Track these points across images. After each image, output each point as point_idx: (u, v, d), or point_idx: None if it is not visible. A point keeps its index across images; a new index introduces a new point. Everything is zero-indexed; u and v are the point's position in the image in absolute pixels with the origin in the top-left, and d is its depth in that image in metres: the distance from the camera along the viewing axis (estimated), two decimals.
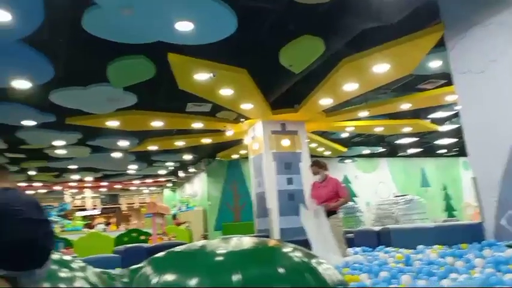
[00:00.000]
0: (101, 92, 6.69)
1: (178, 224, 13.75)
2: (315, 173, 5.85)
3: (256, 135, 9.37)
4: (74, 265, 3.15)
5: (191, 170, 15.51)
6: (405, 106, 8.84)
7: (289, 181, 8.93)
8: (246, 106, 7.88)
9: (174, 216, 14.72)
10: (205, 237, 13.80)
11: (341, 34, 5.60)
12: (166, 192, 21.59)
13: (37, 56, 5.45)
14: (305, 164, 9.03)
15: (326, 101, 7.98)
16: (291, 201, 8.78)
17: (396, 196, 14.67)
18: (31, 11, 4.42)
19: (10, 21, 4.50)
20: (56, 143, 9.91)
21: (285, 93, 7.62)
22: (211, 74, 6.18)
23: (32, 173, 13.97)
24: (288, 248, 3.91)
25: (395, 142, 13.80)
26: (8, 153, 10.87)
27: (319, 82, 7.16)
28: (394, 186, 16.46)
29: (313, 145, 11.91)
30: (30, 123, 8.20)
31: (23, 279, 2.22)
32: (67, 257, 3.35)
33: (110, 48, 5.34)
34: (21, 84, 6.27)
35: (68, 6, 4.49)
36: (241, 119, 9.07)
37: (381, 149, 14.96)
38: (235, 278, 3.13)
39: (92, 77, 6.38)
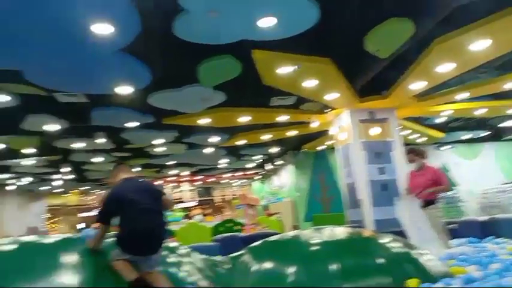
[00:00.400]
0: (193, 92, 7.13)
1: (269, 215, 14.07)
2: (410, 161, 5.57)
3: (342, 125, 9.16)
4: (180, 251, 3.46)
5: (278, 162, 15.74)
6: (510, 85, 7.93)
7: (381, 171, 8.58)
8: (331, 96, 7.75)
9: (266, 207, 15.10)
10: (296, 227, 13.94)
11: (432, 14, 5.22)
12: (256, 184, 22.22)
13: (136, 63, 6.00)
14: (397, 152, 8.61)
15: (418, 85, 7.51)
16: (384, 192, 8.45)
17: (503, 184, 13.22)
18: (129, 23, 4.87)
19: (112, 34, 5.03)
20: (155, 141, 10.83)
21: (372, 80, 7.33)
22: (296, 67, 6.20)
23: (136, 169, 15.39)
24: (385, 239, 3.79)
25: (499, 125, 12.45)
26: (115, 153, 12.12)
27: (409, 66, 6.77)
28: (500, 173, 14.83)
29: (406, 132, 11.27)
30: (133, 124, 9.06)
31: (141, 264, 2.53)
32: (173, 244, 3.68)
33: (199, 50, 5.67)
34: (124, 90, 6.96)
35: (161, 16, 4.85)
36: (326, 110, 8.94)
37: (483, 133, 13.61)
38: (332, 267, 3.15)
39: (184, 79, 6.82)
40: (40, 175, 15.09)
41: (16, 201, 18.98)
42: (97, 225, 2.78)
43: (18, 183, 16.87)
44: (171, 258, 3.13)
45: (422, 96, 8.49)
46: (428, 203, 5.17)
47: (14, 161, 11.80)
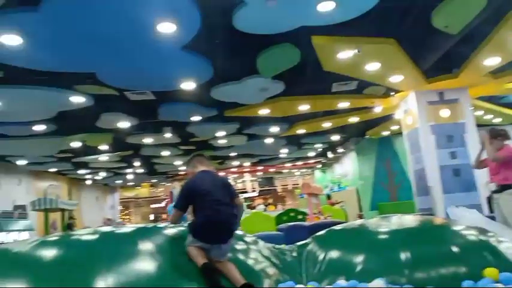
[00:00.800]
0: (253, 83, 7.22)
1: (333, 204, 13.90)
2: (485, 143, 5.11)
3: (409, 109, 8.74)
4: (247, 239, 3.54)
5: (340, 150, 15.44)
6: None
7: (453, 155, 8.09)
8: (396, 78, 7.42)
9: (329, 197, 14.94)
10: (360, 216, 13.63)
11: None
12: (317, 173, 22.02)
13: (198, 59, 6.20)
14: (470, 135, 8.06)
15: (492, 61, 6.95)
16: (456, 177, 7.98)
17: None
18: (190, 20, 5.03)
19: (175, 32, 5.23)
20: (218, 134, 11.13)
21: (440, 59, 6.90)
22: (356, 50, 6.02)
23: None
24: (459, 226, 3.58)
25: None
26: (181, 146, 12.66)
27: (481, 41, 6.28)
28: None
29: (479, 113, 10.49)
30: (197, 118, 9.39)
31: (212, 252, 2.64)
32: (240, 232, 3.77)
33: (258, 41, 5.70)
34: (188, 85, 7.23)
35: (220, 10, 4.94)
36: (391, 93, 8.58)
37: None
38: (403, 256, 3.05)
39: (244, 71, 6.92)
40: (114, 169, 16.21)
41: (93, 195, 20.60)
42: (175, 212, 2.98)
43: (94, 178, 18.28)
44: (238, 246, 3.20)
45: (496, 72, 7.84)
46: (504, 187, 4.67)
47: (91, 157, 12.79)
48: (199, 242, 2.62)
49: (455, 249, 3.11)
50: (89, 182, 19.41)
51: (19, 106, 7.50)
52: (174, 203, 2.93)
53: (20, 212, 13.72)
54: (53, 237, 2.61)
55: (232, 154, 15.04)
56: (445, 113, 8.27)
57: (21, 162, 13.01)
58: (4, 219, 12.82)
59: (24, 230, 13.54)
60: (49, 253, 2.25)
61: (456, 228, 3.52)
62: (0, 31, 4.85)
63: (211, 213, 2.70)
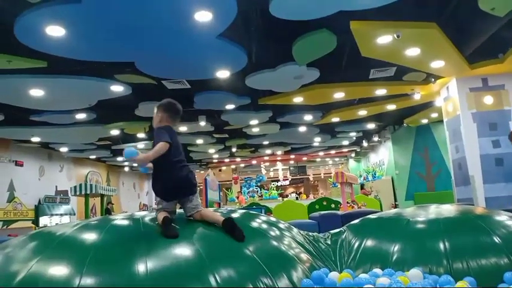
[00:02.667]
0: (288, 71, 7.16)
1: (366, 194, 13.69)
2: None
3: (450, 96, 8.40)
4: (281, 226, 3.55)
5: (375, 138, 15.12)
6: None
7: (496, 144, 7.74)
8: (437, 64, 7.14)
9: (362, 186, 14.73)
10: (395, 206, 13.37)
11: None
12: (351, 162, 21.70)
13: (233, 47, 6.20)
14: None
15: None
16: (498, 167, 7.64)
17: None
18: (226, 7, 5.02)
19: (211, 20, 5.25)
20: (251, 122, 11.17)
21: (484, 43, 6.55)
22: (395, 35, 5.82)
23: (233, 150, 16.11)
24: (502, 216, 3.43)
25: None
26: (215, 134, 12.82)
27: None
28: None
29: None
30: (231, 106, 9.45)
31: (185, 204, 2.74)
32: (273, 219, 3.79)
33: (294, 27, 5.63)
34: (223, 74, 7.27)
35: None
36: (431, 79, 8.26)
37: None
38: (441, 245, 2.96)
39: (279, 59, 6.88)
40: None
41: (131, 181, 21.33)
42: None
43: (132, 165, 18.88)
44: (272, 232, 3.20)
45: None
46: None
47: (129, 144, 13.20)
48: (164, 202, 2.66)
49: (496, 239, 2.99)
50: (126, 169, 20.09)
51: (61, 95, 7.84)
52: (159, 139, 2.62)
53: (61, 197, 14.46)
54: (94, 221, 2.72)
55: (265, 142, 15.07)
56: (488, 100, 7.89)
57: (63, 149, 13.65)
58: (47, 204, 13.57)
59: (65, 214, 14.29)
60: (91, 236, 2.35)
61: (498, 218, 3.38)
62: (45, 23, 5.06)
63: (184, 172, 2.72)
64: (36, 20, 4.97)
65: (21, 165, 12.65)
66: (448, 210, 3.88)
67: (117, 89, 7.63)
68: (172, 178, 2.67)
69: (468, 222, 3.42)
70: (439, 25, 5.80)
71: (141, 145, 13.38)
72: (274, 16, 5.20)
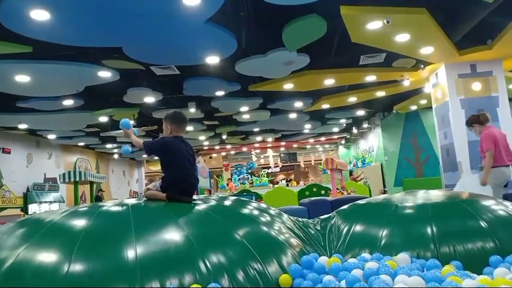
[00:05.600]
0: (278, 57, 7.11)
1: (355, 180, 13.84)
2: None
3: (439, 82, 8.46)
4: (271, 212, 3.57)
5: (365, 125, 15.21)
6: None
7: None
8: (426, 50, 7.17)
9: (351, 173, 14.87)
10: (384, 192, 13.54)
11: None
12: (341, 149, 21.85)
13: (222, 32, 6.13)
14: (503, 109, 7.77)
15: None
16: None
17: None
18: None
19: (199, 4, 5.16)
20: (242, 109, 11.12)
21: (474, 29, 6.57)
22: (385, 20, 5.81)
23: (224, 137, 16.08)
24: (489, 201, 3.50)
25: None
26: (205, 121, 12.75)
27: None
28: None
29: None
30: (221, 93, 9.39)
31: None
32: (264, 205, 3.80)
33: (284, 13, 5.58)
34: (212, 59, 7.20)
35: None
36: (421, 66, 8.30)
37: None
38: (428, 230, 3.01)
39: (269, 44, 6.82)
40: None
41: (120, 169, 21.20)
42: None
43: (121, 152, 18.73)
44: (262, 218, 3.22)
45: None
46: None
47: (118, 131, 13.07)
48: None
49: (483, 224, 3.04)
50: (116, 156, 19.94)
51: (48, 81, 7.69)
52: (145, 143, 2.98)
53: (50, 184, 14.33)
54: (83, 208, 2.70)
55: (256, 129, 15.06)
56: (476, 86, 7.97)
57: (51, 136, 13.47)
58: (36, 191, 13.44)
59: (54, 202, 14.18)
60: (80, 222, 2.33)
61: (485, 203, 3.44)
62: (29, 6, 4.93)
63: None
64: (20, 3, 4.84)
65: (9, 153, 12.47)
66: (435, 195, 3.93)
67: (105, 74, 7.51)
68: (173, 181, 2.91)
69: (455, 207, 3.46)
70: (428, 11, 5.80)
71: None
72: (264, 0, 5.13)
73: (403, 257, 2.58)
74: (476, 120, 5.23)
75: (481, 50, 7.47)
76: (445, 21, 6.21)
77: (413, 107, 12.89)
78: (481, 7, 5.76)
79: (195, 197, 3.23)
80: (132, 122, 2.96)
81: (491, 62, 7.88)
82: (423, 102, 11.82)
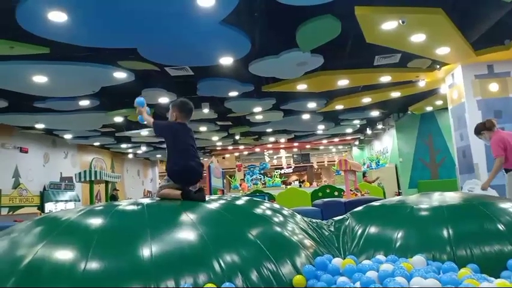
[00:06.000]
0: (291, 57, 7.10)
1: (368, 182, 13.71)
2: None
3: (455, 83, 8.33)
4: (284, 212, 3.56)
5: (379, 126, 15.07)
6: None
7: None
8: (442, 50, 7.06)
9: (364, 174, 14.72)
10: (398, 194, 13.38)
11: None
12: (355, 150, 21.68)
13: (236, 33, 6.15)
14: None
15: None
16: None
17: None
18: None
19: (213, 5, 5.19)
20: (255, 109, 11.13)
21: (491, 29, 6.46)
22: (400, 21, 5.75)
23: (237, 137, 16.10)
24: (507, 204, 3.42)
25: None
26: (218, 122, 12.80)
27: None
28: None
29: None
30: (234, 93, 9.42)
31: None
32: (277, 206, 3.80)
33: (298, 13, 5.56)
34: (226, 60, 7.22)
35: None
36: (437, 66, 8.18)
37: None
38: (444, 232, 2.96)
39: (283, 45, 6.81)
40: (154, 144, 16.71)
41: (135, 168, 21.43)
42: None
43: (136, 152, 18.95)
44: (276, 218, 3.21)
45: None
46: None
47: (133, 132, 13.22)
48: (176, 184, 2.99)
49: (500, 226, 2.98)
50: (130, 156, 20.16)
51: (64, 82, 7.82)
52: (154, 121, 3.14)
53: (66, 183, 14.57)
54: (99, 207, 2.74)
55: (269, 130, 15.05)
56: (493, 87, 7.83)
57: (67, 136, 13.69)
58: (52, 190, 13.68)
59: (70, 201, 14.41)
60: (96, 221, 2.36)
61: (502, 205, 3.37)
62: (47, 8, 5.02)
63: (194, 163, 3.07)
64: (38, 5, 4.94)
65: (26, 152, 12.72)
66: (451, 197, 3.87)
67: (120, 75, 7.61)
68: (178, 164, 3.01)
69: (472, 209, 3.40)
70: (445, 11, 5.72)
71: (144, 132, 13.40)
72: (277, 1, 5.13)
73: (418, 259, 2.54)
74: (483, 128, 5.30)
75: (498, 50, 7.33)
76: (461, 21, 6.12)
77: (429, 108, 12.72)
78: (498, 7, 5.66)
79: (208, 197, 3.25)
80: (144, 100, 3.25)
81: (509, 63, 7.73)
82: (439, 103, 11.65)
